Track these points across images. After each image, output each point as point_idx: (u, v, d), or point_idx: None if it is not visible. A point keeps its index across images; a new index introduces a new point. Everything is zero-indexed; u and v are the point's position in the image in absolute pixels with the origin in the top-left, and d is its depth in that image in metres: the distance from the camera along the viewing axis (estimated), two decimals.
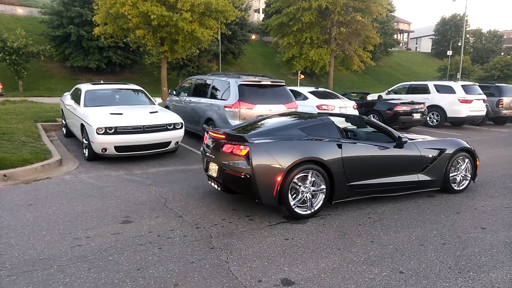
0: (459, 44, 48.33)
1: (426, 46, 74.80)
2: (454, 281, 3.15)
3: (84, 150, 7.37)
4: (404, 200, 5.30)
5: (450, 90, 13.92)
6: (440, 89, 14.31)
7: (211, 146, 4.87)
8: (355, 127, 5.99)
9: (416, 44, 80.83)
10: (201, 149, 5.38)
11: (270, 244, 3.78)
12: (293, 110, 8.58)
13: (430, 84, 14.75)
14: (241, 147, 4.37)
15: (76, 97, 8.44)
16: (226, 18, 16.29)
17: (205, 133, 5.29)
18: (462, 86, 13.89)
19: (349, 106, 11.13)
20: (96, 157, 7.11)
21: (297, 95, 10.95)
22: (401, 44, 68.28)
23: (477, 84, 15.10)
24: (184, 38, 15.65)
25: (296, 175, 4.37)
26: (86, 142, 7.15)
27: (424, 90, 14.76)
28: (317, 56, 23.96)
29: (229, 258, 3.47)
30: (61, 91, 15.50)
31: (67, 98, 8.78)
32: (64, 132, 9.57)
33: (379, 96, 14.92)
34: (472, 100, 13.56)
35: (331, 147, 4.63)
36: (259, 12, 58.20)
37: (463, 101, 13.47)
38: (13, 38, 24.91)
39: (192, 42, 16.58)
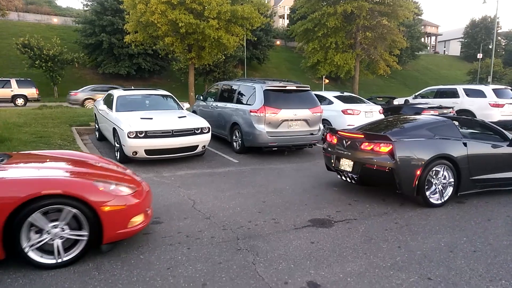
0: (490, 46, 46.60)
1: (454, 49, 72.53)
2: None
3: (116, 153, 7.65)
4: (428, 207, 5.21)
5: (481, 94, 13.48)
6: (470, 93, 13.88)
7: (345, 144, 5.57)
8: (464, 127, 6.47)
9: (444, 47, 78.50)
10: (325, 147, 6.14)
11: (296, 247, 3.82)
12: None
13: (459, 88, 14.34)
14: (382, 144, 5.04)
15: (108, 103, 8.78)
16: (251, 24, 16.51)
17: (329, 132, 6.06)
18: (493, 90, 13.42)
19: (375, 111, 10.99)
20: (127, 160, 7.36)
21: (322, 99, 10.92)
22: (428, 48, 66.66)
23: (510, 88, 14.55)
24: (210, 44, 15.98)
25: (431, 169, 5.03)
26: (118, 145, 7.43)
27: (453, 94, 14.36)
28: (342, 60, 23.75)
29: (255, 259, 3.54)
30: None
31: (100, 103, 9.14)
32: (97, 136, 9.95)
33: (406, 101, 14.65)
34: (504, 104, 13.07)
35: (458, 145, 5.30)
36: (284, 18, 58.38)
37: (495, 105, 13.01)
38: (49, 46, 26.11)
39: (218, 48, 16.89)
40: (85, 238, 3.34)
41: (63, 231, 3.27)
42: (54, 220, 3.24)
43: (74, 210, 3.25)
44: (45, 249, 3.26)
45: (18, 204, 3.06)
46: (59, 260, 3.28)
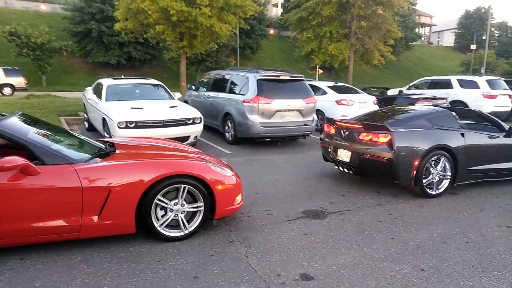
0: (484, 37, 46.71)
1: (448, 40, 72.57)
2: (478, 280, 3.08)
3: None
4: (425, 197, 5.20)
5: (474, 85, 13.52)
6: (463, 84, 13.92)
7: (343, 134, 5.55)
8: (462, 118, 6.45)
9: (438, 38, 78.50)
10: (322, 137, 6.13)
11: (289, 239, 3.78)
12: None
13: (453, 79, 14.36)
14: (381, 135, 5.03)
15: (98, 92, 8.60)
16: (244, 12, 16.25)
17: (327, 122, 6.04)
18: (487, 81, 13.47)
19: (369, 101, 10.95)
20: None
21: (316, 89, 10.85)
22: (422, 38, 66.58)
23: (503, 79, 14.61)
24: (203, 33, 15.72)
25: (429, 159, 5.04)
26: (108, 136, 7.28)
27: (447, 85, 14.38)
28: (336, 50, 23.64)
29: (248, 251, 3.49)
30: (83, 86, 15.78)
31: (89, 93, 8.96)
32: (86, 126, 9.78)
33: (400, 91, 14.64)
34: (497, 96, 13.13)
35: (456, 136, 5.31)
36: (277, 7, 57.75)
37: (488, 96, 13.06)
38: (37, 34, 25.50)
39: (210, 37, 16.63)
40: (202, 208, 3.72)
41: (183, 206, 3.67)
42: (174, 199, 3.64)
43: (190, 187, 3.63)
44: (170, 224, 3.66)
45: (157, 179, 3.45)
46: (186, 232, 3.69)
